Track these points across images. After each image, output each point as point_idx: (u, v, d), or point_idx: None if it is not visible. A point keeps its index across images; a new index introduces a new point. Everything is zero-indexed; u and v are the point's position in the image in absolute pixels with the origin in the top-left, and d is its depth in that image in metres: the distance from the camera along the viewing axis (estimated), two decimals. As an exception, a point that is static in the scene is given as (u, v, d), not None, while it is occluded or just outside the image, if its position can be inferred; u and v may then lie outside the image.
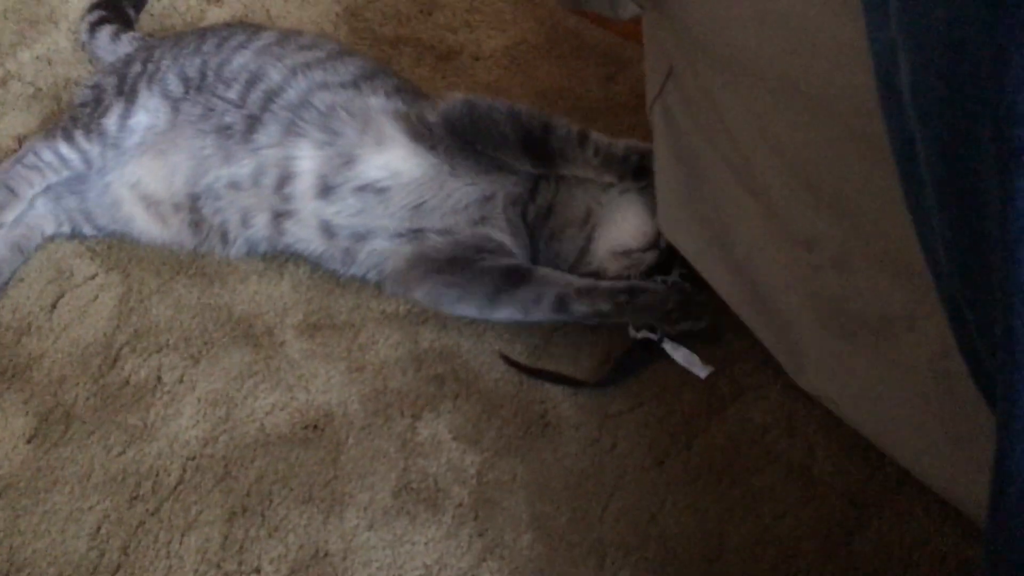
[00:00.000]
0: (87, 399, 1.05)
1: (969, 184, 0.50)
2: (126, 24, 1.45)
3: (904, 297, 0.84)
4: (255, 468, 0.99)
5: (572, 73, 1.43)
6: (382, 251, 1.13)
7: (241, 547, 0.93)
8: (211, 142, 1.16)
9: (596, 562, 0.92)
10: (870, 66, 0.63)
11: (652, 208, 1.12)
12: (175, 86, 1.20)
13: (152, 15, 1.56)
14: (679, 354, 1.05)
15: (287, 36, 1.24)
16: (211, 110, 1.17)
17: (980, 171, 0.49)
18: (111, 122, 1.19)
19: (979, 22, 0.46)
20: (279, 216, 1.15)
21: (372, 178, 1.12)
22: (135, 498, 0.97)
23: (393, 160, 1.12)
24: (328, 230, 1.13)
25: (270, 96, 1.16)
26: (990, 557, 0.55)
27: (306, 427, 1.02)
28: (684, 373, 1.05)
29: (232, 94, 1.17)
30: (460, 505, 0.95)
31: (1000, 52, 0.45)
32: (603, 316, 1.07)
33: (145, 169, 1.18)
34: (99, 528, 0.95)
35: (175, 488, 0.98)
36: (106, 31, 1.41)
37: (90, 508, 0.96)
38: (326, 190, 1.12)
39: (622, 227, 1.13)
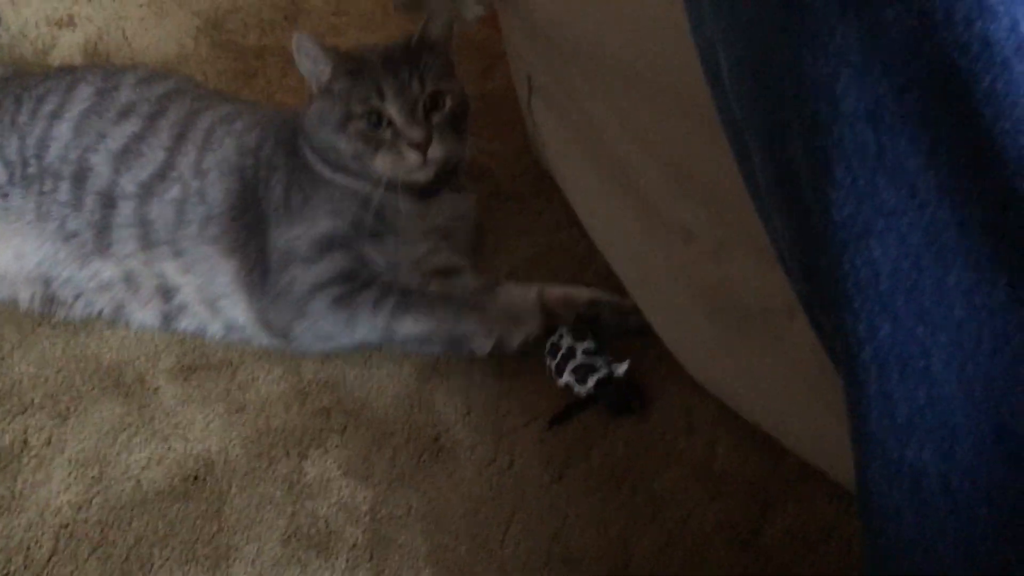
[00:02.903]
0: (-52, 473, 0.98)
1: (794, 190, 0.46)
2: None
3: (782, 286, 0.81)
4: (133, 530, 0.93)
5: (447, 70, 1.38)
6: None
7: (124, 617, 0.88)
8: (61, 247, 1.08)
9: (500, 589, 0.88)
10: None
11: None
12: None
13: (0, 46, 1.47)
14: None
15: (104, 91, 1.13)
16: (47, 213, 1.08)
17: (800, 178, 0.45)
18: None
19: (777, 26, 0.42)
20: (170, 316, 1.08)
21: None
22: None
23: None
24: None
25: (106, 203, 1.06)
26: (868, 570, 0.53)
27: (185, 479, 0.96)
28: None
29: (63, 195, 1.07)
30: (354, 546, 0.91)
31: (796, 57, 0.42)
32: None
33: None
34: (-33, 615, 0.88)
35: (48, 561, 0.91)
36: None
37: (-43, 593, 0.90)
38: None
39: None
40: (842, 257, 0.44)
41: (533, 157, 1.23)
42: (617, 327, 1.03)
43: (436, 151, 1.01)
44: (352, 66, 1.03)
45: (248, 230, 1.05)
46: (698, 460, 0.94)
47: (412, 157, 1.00)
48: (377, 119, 1.01)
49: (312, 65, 1.04)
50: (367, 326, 1.02)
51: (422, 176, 1.03)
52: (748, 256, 0.83)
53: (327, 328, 1.03)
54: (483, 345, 1.01)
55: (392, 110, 1.00)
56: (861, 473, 0.49)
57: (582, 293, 1.05)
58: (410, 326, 1.02)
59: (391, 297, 1.01)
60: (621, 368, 0.98)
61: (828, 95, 0.41)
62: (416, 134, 1.00)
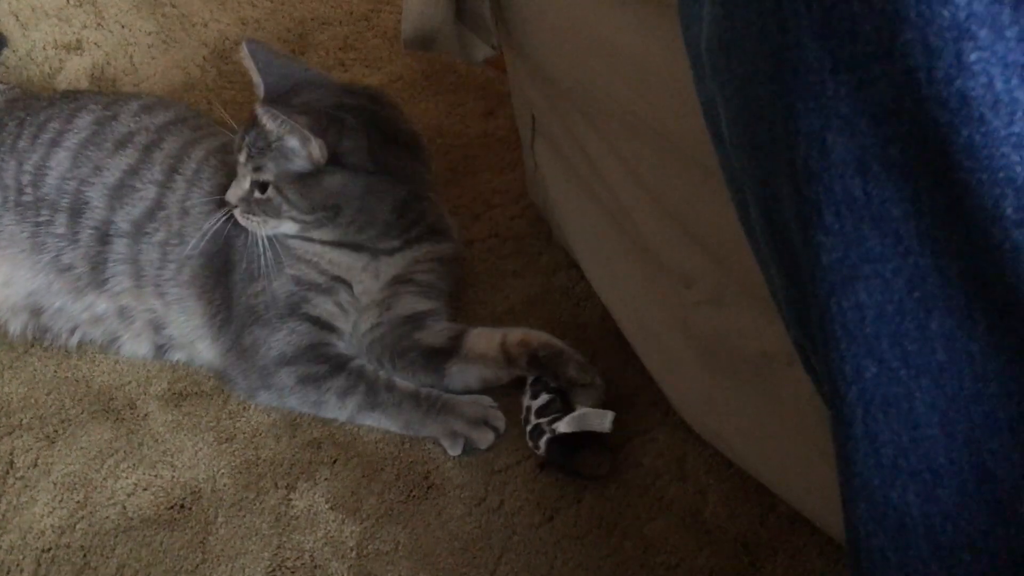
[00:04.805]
0: (-69, 492, 0.97)
1: (785, 238, 0.48)
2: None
3: (781, 334, 0.82)
4: (116, 557, 0.92)
5: (450, 109, 1.39)
6: None
7: (102, 646, 0.86)
8: (55, 279, 1.07)
9: (485, 631, 0.87)
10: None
11: None
12: None
13: (8, 67, 1.48)
14: (577, 422, 0.94)
15: (104, 120, 1.13)
16: (42, 244, 1.07)
17: (789, 226, 0.47)
18: None
19: (768, 79, 0.44)
20: (162, 348, 1.08)
21: None
22: (-17, 600, 0.89)
23: None
24: None
25: (102, 239, 1.06)
26: None
27: (172, 507, 0.96)
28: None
29: (60, 228, 1.07)
30: (339, 581, 0.90)
31: (789, 109, 0.43)
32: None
33: None
34: (-58, 638, 0.87)
35: (28, 585, 0.90)
36: None
37: (-67, 615, 0.88)
38: None
39: None
40: (830, 300, 0.45)
41: (531, 199, 1.23)
42: (556, 376, 0.98)
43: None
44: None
45: (217, 275, 1.05)
46: (689, 508, 0.94)
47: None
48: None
49: None
50: (334, 412, 1.02)
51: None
52: (747, 304, 0.83)
53: (293, 403, 1.02)
54: (452, 447, 0.98)
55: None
56: (848, 514, 0.49)
57: (540, 336, 1.02)
58: (375, 421, 1.01)
59: (358, 391, 1.00)
60: (561, 426, 0.93)
61: (819, 145, 0.43)
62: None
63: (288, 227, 1.02)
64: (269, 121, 0.98)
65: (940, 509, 0.46)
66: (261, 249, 1.01)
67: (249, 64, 1.05)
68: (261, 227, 1.01)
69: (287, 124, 0.97)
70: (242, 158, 1.01)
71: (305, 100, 1.03)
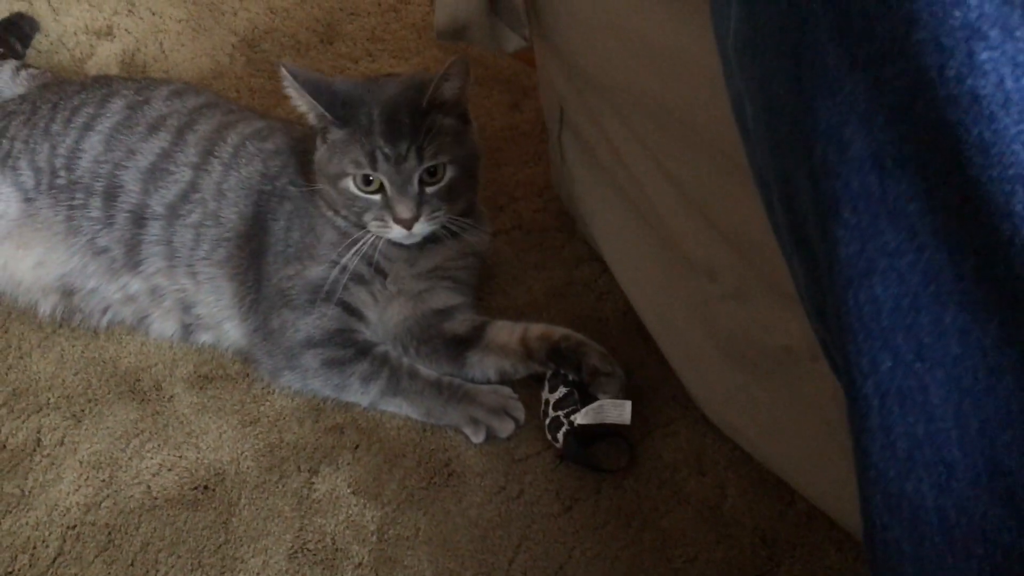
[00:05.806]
0: (-40, 467, 0.98)
1: (804, 232, 0.49)
2: (15, 59, 1.38)
3: (804, 328, 0.82)
4: (140, 535, 0.93)
5: (476, 101, 1.40)
6: None
7: (125, 622, 0.87)
8: (90, 261, 1.09)
9: (503, 618, 0.88)
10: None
11: None
12: (26, 177, 1.11)
13: (40, 51, 1.50)
14: (601, 414, 0.96)
15: (136, 104, 1.14)
16: (78, 227, 1.08)
17: (808, 220, 0.48)
18: None
19: (786, 77, 0.45)
20: (189, 328, 1.09)
21: None
22: (10, 574, 0.91)
23: None
24: None
25: (137, 222, 1.07)
26: None
27: (195, 488, 0.97)
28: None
29: (95, 211, 1.08)
30: (359, 565, 0.91)
31: (807, 106, 0.45)
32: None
33: (6, 255, 1.10)
34: (-31, 610, 0.88)
35: (54, 561, 0.92)
36: (8, 66, 1.32)
37: (-39, 587, 0.90)
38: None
39: None
40: (847, 293, 0.46)
41: (556, 192, 1.24)
42: (578, 366, 1.00)
43: (423, 227, 0.99)
44: (347, 115, 0.99)
45: (251, 257, 1.06)
46: (707, 501, 0.94)
47: (397, 230, 0.99)
48: (369, 180, 0.98)
49: (301, 105, 1.01)
50: (356, 396, 1.02)
51: (407, 242, 1.02)
52: (771, 298, 0.84)
53: (316, 386, 1.03)
54: (475, 435, 0.99)
55: (384, 180, 0.97)
56: (864, 506, 0.50)
57: (561, 330, 1.03)
58: (397, 407, 1.02)
59: (381, 377, 1.01)
60: (579, 418, 0.95)
61: (838, 140, 0.44)
62: (404, 211, 0.97)
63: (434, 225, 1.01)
64: (453, 91, 0.97)
65: (954, 501, 0.47)
66: (359, 247, 1.00)
67: (295, 92, 1.00)
68: (415, 237, 1.01)
69: (464, 89, 0.97)
70: (410, 154, 0.96)
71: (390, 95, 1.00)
